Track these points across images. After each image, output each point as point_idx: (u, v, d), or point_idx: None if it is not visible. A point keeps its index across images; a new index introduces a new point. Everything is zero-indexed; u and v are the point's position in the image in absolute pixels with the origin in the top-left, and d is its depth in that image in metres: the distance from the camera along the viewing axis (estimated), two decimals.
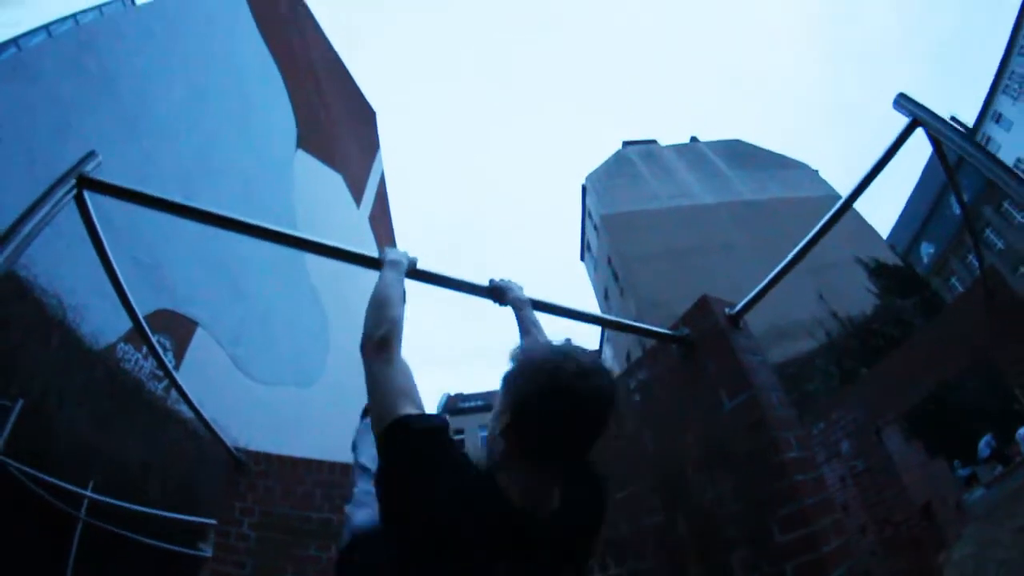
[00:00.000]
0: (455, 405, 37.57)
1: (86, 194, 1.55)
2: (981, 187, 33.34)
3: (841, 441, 5.36)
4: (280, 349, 14.09)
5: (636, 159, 35.23)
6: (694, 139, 39.17)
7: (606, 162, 34.99)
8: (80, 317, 7.67)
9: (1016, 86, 31.47)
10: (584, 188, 34.14)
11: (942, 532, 8.45)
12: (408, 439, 1.03)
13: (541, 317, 1.78)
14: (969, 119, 35.23)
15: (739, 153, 37.47)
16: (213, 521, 7.12)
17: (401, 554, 0.97)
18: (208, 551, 8.16)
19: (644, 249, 27.93)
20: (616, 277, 29.77)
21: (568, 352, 1.05)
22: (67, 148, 7.46)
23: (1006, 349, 4.45)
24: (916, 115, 1.77)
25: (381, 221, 26.35)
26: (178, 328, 10.25)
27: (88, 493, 6.24)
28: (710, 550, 1.75)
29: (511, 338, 1.62)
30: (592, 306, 35.52)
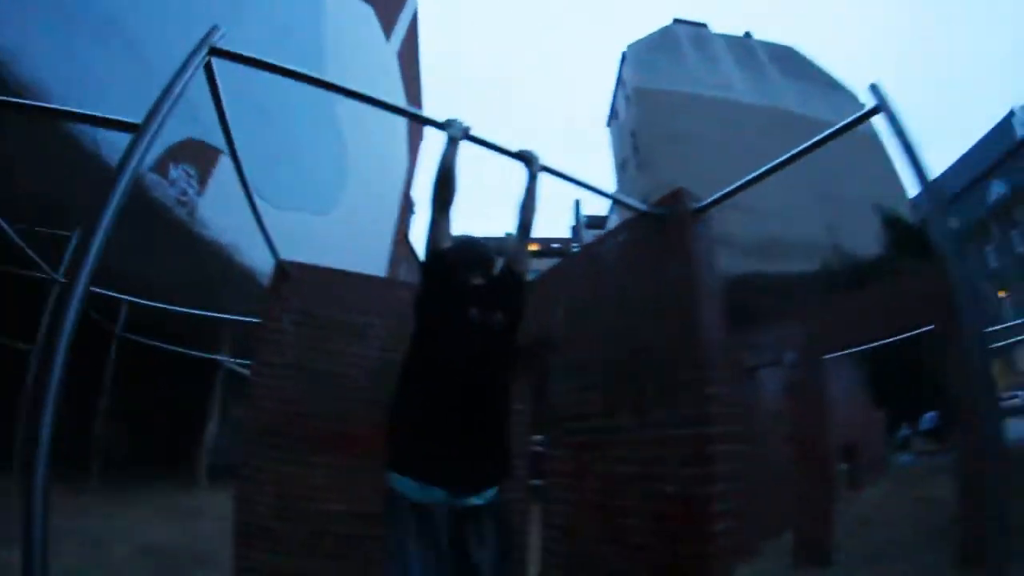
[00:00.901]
0: None
1: (213, 62, 1.88)
2: (1021, 184, 32.23)
3: (787, 351, 5.95)
4: (298, 175, 14.30)
5: (684, 39, 34.05)
6: (748, 35, 37.34)
7: (651, 35, 33.82)
8: (112, 149, 8.11)
9: None
10: (624, 56, 33.13)
11: (856, 473, 9.53)
12: (443, 260, 2.01)
13: (552, 180, 2.41)
14: None
15: (792, 61, 35.75)
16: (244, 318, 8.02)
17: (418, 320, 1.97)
18: (224, 357, 9.31)
19: (672, 131, 27.66)
20: (637, 151, 29.57)
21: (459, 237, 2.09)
22: None
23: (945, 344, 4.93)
24: (879, 104, 2.10)
25: (409, 58, 25.55)
26: (203, 157, 10.56)
27: (132, 298, 6.99)
28: (635, 376, 2.49)
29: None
30: (607, 171, 35.68)
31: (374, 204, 19.38)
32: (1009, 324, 9.03)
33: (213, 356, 9.10)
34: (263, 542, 3.08)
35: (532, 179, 2.33)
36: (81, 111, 1.91)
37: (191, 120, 10.25)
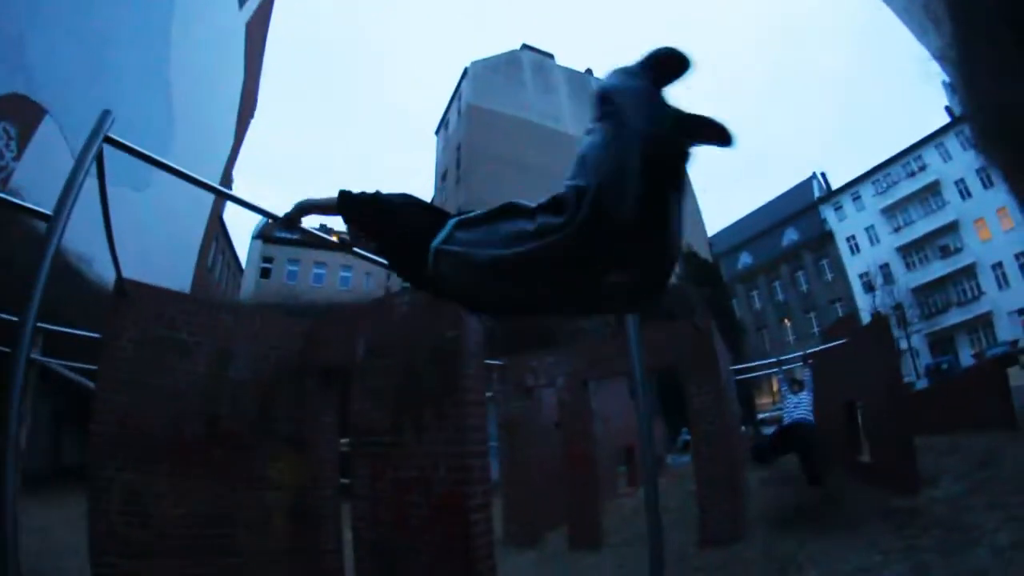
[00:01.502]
0: (269, 233, 36.27)
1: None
2: (811, 235, 40.23)
3: (558, 377, 7.29)
4: (124, 155, 13.22)
5: (526, 65, 35.23)
6: (589, 71, 39.36)
7: (497, 56, 34.50)
8: None
9: (884, 185, 37.60)
10: (466, 71, 33.38)
11: (635, 472, 11.17)
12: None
13: None
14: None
15: None
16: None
17: None
18: (36, 355, 8.61)
19: (495, 150, 28.71)
20: (459, 164, 30.34)
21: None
22: None
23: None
24: None
25: (257, 30, 24.56)
26: (26, 114, 9.70)
27: None
28: (415, 404, 3.49)
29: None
30: (429, 178, 35.90)
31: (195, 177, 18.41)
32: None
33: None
34: (116, 547, 3.36)
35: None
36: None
37: (17, 68, 9.25)
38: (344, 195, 1.54)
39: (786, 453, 6.78)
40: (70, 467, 11.24)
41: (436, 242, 1.20)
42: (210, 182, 2.66)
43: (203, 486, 3.77)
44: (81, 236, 3.65)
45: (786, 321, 41.77)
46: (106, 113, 2.27)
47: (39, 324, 7.49)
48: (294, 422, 4.17)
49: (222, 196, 2.56)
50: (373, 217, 1.46)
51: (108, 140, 2.27)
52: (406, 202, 1.43)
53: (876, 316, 11.60)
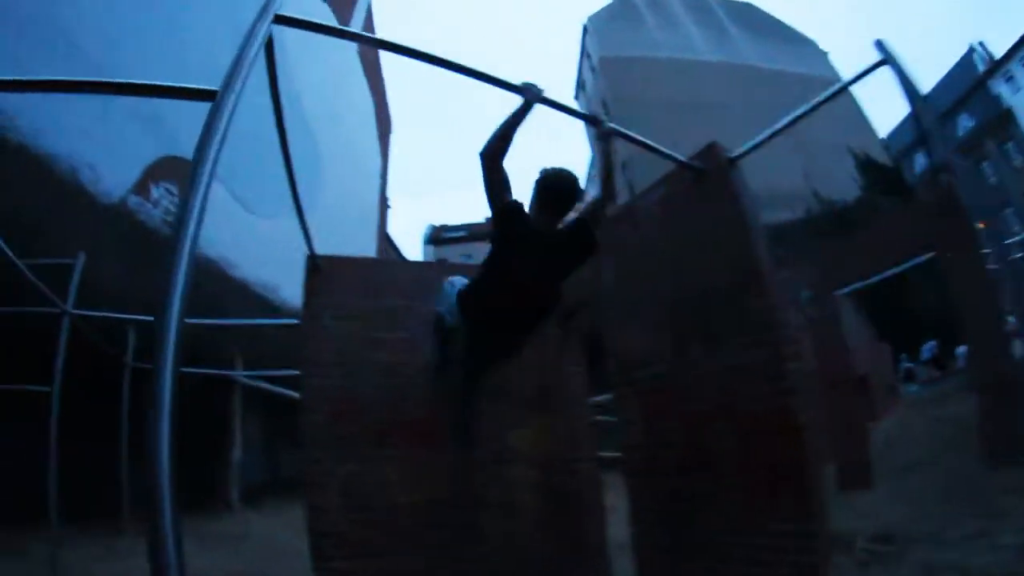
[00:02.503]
0: (439, 236, 38.18)
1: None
2: (988, 117, 33.42)
3: (802, 289, 6.10)
4: (276, 183, 13.97)
5: (641, 5, 33.98)
6: None
7: (610, 4, 33.64)
8: (95, 175, 7.93)
9: None
10: (585, 28, 33.08)
11: (872, 404, 9.76)
12: (512, 211, 2.29)
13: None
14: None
15: (750, 18, 35.93)
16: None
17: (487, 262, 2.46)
18: (238, 372, 9.17)
19: (642, 95, 27.56)
20: (609, 119, 30.04)
21: (558, 167, 2.40)
22: None
23: (947, 258, 5.13)
24: (885, 58, 2.39)
25: (370, 56, 25.42)
26: (181, 173, 10.28)
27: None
28: (701, 311, 2.61)
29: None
30: (581, 143, 36.04)
31: (353, 204, 19.19)
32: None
33: (227, 372, 8.93)
34: (339, 548, 2.98)
35: (603, 141, 2.52)
36: (153, 83, 1.84)
37: (167, 139, 10.10)
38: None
39: None
40: (288, 478, 12.09)
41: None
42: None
43: (435, 468, 3.23)
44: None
45: (981, 225, 35.02)
46: None
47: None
48: (534, 378, 3.46)
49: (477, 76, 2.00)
50: None
51: (279, 19, 1.81)
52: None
53: None
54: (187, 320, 1.16)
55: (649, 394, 2.84)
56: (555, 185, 2.37)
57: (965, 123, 36.28)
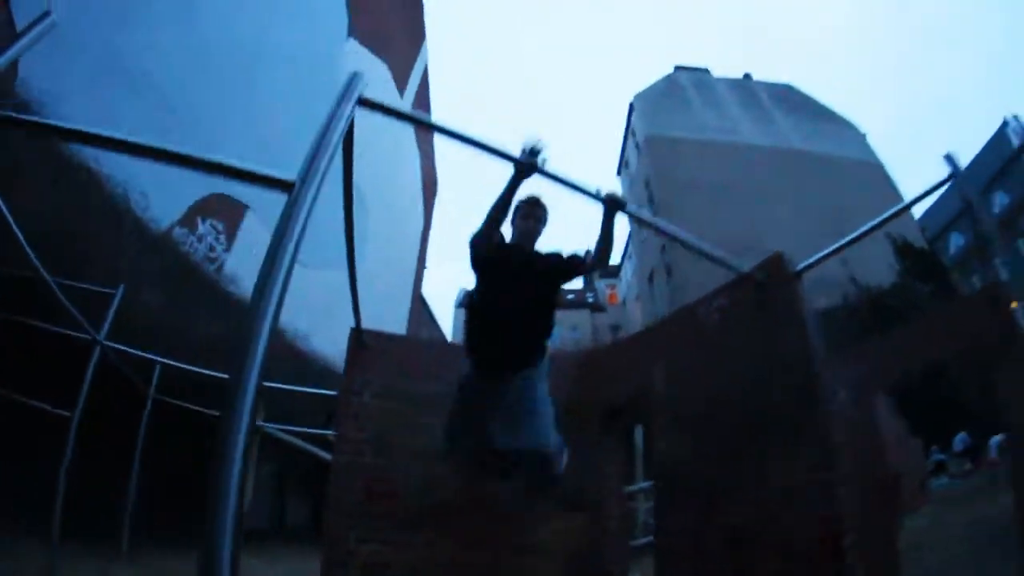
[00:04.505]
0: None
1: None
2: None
3: (839, 391, 5.92)
4: (324, 235, 14.24)
5: (687, 85, 34.46)
6: (747, 76, 37.80)
7: (656, 83, 34.21)
8: (146, 203, 8.03)
9: None
10: (631, 106, 33.48)
11: (903, 502, 9.34)
12: (483, 237, 2.66)
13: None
14: None
15: (790, 99, 36.34)
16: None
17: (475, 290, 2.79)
18: (259, 421, 9.19)
19: (686, 176, 27.96)
20: (651, 199, 29.57)
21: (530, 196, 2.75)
22: (123, 33, 7.47)
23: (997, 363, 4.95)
24: (954, 173, 2.58)
25: (422, 110, 26.20)
26: (229, 211, 10.61)
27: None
28: (755, 430, 2.54)
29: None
30: (620, 221, 36.44)
31: (394, 263, 19.47)
32: None
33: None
34: None
35: (608, 219, 2.56)
36: (234, 164, 1.76)
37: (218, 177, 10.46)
38: None
39: None
40: (293, 527, 11.83)
41: None
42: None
43: (461, 558, 3.15)
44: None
45: (1014, 304, 33.78)
46: (356, 75, 1.85)
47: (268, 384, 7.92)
48: (572, 475, 3.38)
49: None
50: None
51: (362, 102, 1.83)
52: None
53: None
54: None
55: (693, 502, 2.76)
56: (524, 198, 2.71)
57: (1001, 200, 35.57)
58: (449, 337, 35.85)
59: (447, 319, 47.84)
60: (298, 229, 1.41)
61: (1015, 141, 34.93)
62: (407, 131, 24.08)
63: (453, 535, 3.12)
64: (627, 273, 38.94)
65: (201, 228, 9.40)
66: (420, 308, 25.60)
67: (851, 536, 2.22)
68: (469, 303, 2.87)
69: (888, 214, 2.70)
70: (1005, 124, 36.61)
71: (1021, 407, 4.82)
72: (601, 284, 44.02)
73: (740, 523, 2.52)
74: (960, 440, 15.36)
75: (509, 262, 2.69)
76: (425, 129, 2.13)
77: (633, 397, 2.99)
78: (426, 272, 25.40)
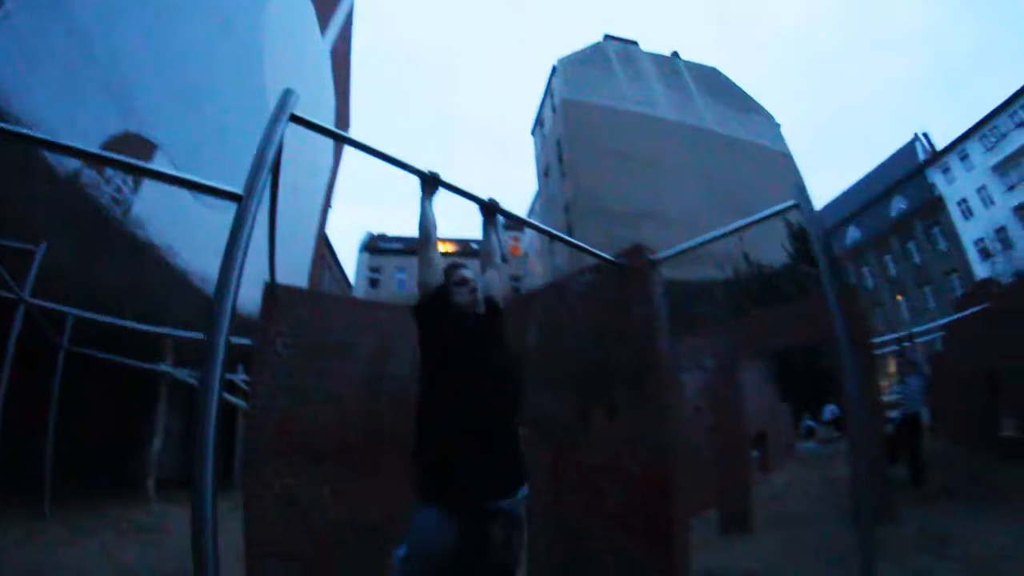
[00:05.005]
0: (375, 244, 38.14)
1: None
2: (920, 202, 36.79)
3: (707, 357, 6.81)
4: (226, 168, 13.76)
5: (613, 56, 34.97)
6: (675, 54, 38.58)
7: (582, 50, 34.47)
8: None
9: (991, 140, 33.81)
10: (554, 68, 33.53)
11: (767, 458, 10.64)
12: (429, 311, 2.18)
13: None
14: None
15: (713, 82, 37.62)
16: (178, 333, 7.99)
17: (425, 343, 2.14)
18: (167, 367, 9.13)
19: (598, 142, 28.72)
20: (561, 160, 30.53)
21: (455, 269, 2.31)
22: None
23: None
24: (798, 201, 2.97)
25: (342, 54, 25.35)
26: (139, 151, 10.18)
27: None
28: (605, 388, 3.12)
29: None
30: (528, 177, 36.83)
31: (302, 203, 19.09)
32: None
33: (158, 367, 8.85)
34: (274, 557, 3.25)
35: (492, 226, 2.65)
36: (187, 176, 2.00)
37: (128, 111, 9.91)
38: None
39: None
40: None
41: None
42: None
43: (366, 489, 3.61)
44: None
45: (899, 297, 38.48)
46: (289, 91, 2.15)
47: (173, 333, 7.94)
48: None
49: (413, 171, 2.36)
50: None
51: (294, 118, 2.12)
52: None
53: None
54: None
55: (554, 446, 3.33)
56: (450, 272, 2.31)
57: (898, 204, 39.71)
58: (351, 278, 36.02)
59: (350, 261, 46.90)
60: (247, 231, 1.81)
61: (921, 155, 38.88)
62: (326, 68, 23.31)
63: (355, 468, 3.55)
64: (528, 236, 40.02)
65: (109, 169, 9.04)
66: (324, 248, 25.17)
67: (674, 470, 2.88)
68: (428, 385, 2.06)
69: (735, 225, 3.18)
70: (915, 139, 40.70)
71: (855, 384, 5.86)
72: (506, 235, 44.57)
73: (592, 462, 3.13)
74: (829, 411, 17.25)
75: (469, 321, 2.23)
76: (345, 143, 2.30)
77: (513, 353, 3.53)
78: (332, 212, 24.96)
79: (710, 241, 3.33)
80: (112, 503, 7.73)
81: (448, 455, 1.87)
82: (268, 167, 1.94)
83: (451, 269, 2.32)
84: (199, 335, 7.48)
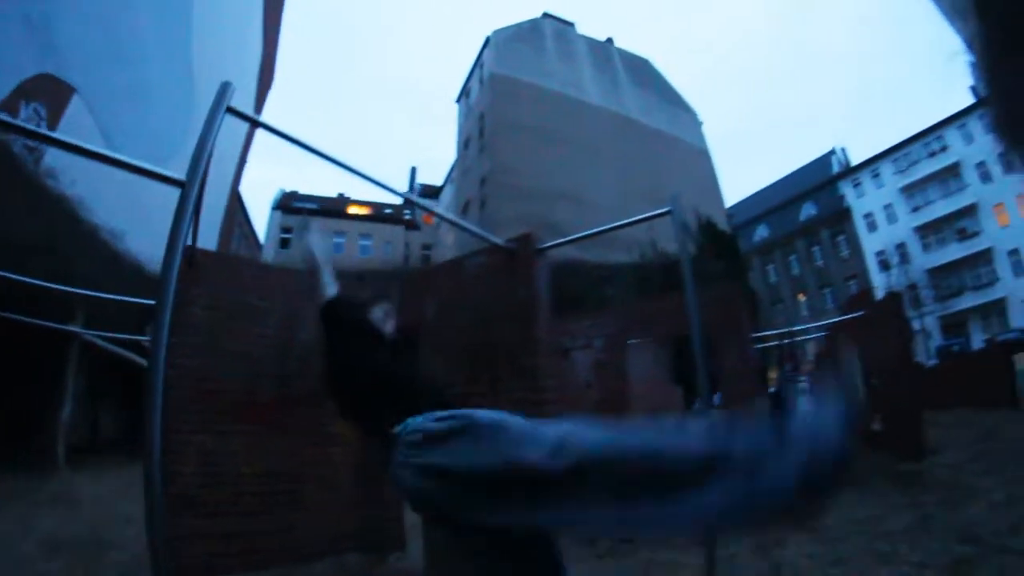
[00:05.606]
0: (288, 203, 37.31)
1: None
2: (829, 211, 40.18)
3: (596, 337, 7.50)
4: (149, 129, 13.32)
5: (548, 34, 35.31)
6: (609, 40, 39.36)
7: (519, 24, 34.62)
8: None
9: (904, 164, 37.57)
10: (487, 40, 33.59)
11: None
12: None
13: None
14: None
15: (643, 72, 38.68)
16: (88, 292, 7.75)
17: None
18: (77, 328, 8.77)
19: (521, 118, 29.17)
20: (482, 133, 30.83)
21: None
22: None
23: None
24: (673, 209, 3.51)
25: (274, 2, 24.52)
26: (55, 94, 9.69)
27: None
28: (491, 360, 3.56)
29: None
30: (450, 145, 36.93)
31: (217, 152, 18.55)
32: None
33: (70, 328, 8.50)
34: (189, 509, 3.46)
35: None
36: (132, 161, 2.20)
37: (48, 49, 9.28)
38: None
39: None
40: (109, 441, 11.59)
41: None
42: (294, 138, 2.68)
43: (275, 444, 3.94)
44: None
45: (801, 296, 42.01)
46: (227, 84, 2.34)
47: (83, 292, 7.75)
48: None
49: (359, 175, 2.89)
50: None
51: (231, 111, 2.36)
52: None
53: (891, 292, 12.10)
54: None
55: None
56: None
57: (808, 210, 43.10)
58: (261, 237, 35.82)
59: (261, 220, 45.34)
60: (189, 215, 2.10)
61: (835, 167, 42.42)
62: (256, 19, 22.43)
63: (268, 425, 3.87)
64: (446, 196, 40.05)
65: (24, 112, 8.67)
66: (236, 204, 24.45)
67: None
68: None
69: (613, 225, 3.74)
70: (832, 152, 44.23)
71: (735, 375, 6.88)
72: (424, 202, 44.65)
73: None
74: (718, 397, 18.80)
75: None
76: (298, 145, 2.49)
77: (413, 323, 3.94)
78: (247, 168, 24.26)
79: (592, 236, 3.87)
80: (20, 473, 7.50)
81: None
82: (208, 156, 2.20)
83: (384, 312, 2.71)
84: (115, 296, 7.29)
